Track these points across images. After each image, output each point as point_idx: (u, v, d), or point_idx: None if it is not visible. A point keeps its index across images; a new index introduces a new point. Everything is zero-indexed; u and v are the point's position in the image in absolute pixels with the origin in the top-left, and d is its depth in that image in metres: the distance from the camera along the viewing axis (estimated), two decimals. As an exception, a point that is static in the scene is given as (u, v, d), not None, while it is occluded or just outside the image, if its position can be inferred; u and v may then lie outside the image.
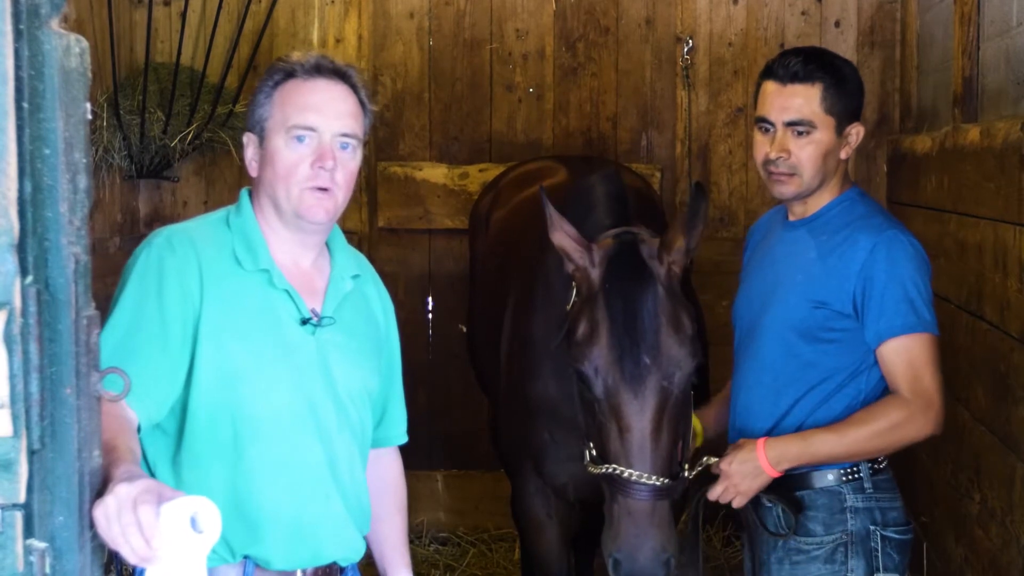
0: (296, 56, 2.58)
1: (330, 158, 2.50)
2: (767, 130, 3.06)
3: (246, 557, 2.47)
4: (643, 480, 2.88)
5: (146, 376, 2.32)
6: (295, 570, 2.51)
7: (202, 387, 2.42)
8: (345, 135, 2.53)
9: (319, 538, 2.53)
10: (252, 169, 2.59)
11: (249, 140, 2.59)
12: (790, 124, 3.01)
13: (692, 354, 2.99)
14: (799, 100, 3.01)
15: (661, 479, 2.89)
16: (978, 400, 3.96)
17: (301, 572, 2.52)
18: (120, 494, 1.79)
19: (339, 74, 2.57)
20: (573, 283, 3.18)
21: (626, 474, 2.89)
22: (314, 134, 2.50)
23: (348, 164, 2.54)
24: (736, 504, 3.02)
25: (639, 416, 2.91)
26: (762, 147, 3.07)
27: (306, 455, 2.50)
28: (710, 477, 3.05)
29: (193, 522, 1.82)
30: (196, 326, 2.42)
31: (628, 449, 2.90)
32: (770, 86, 3.06)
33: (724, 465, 2.99)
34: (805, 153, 3.02)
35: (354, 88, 2.59)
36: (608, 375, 2.95)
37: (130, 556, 1.79)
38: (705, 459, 3.05)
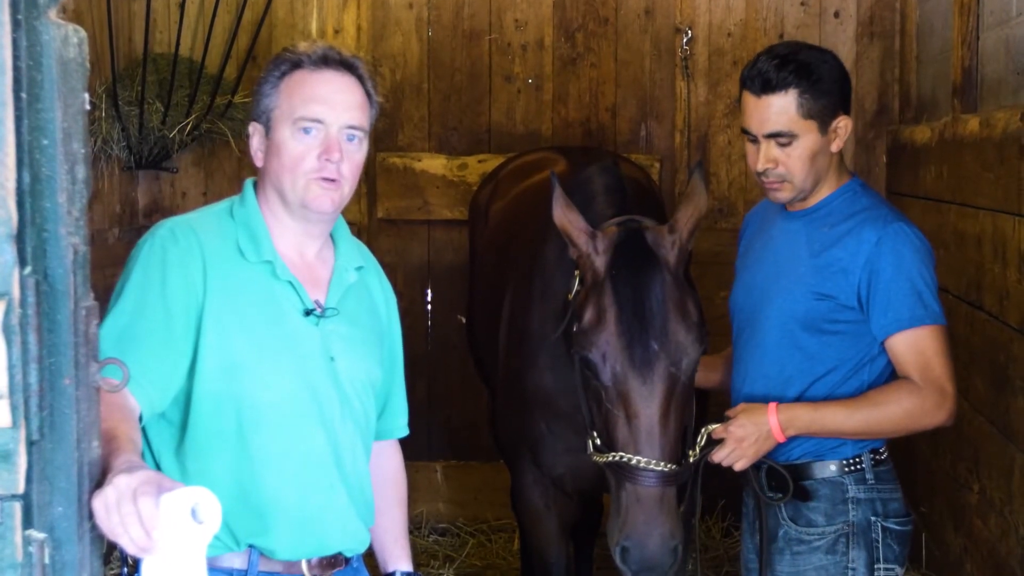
0: (303, 46, 2.56)
1: (336, 151, 2.49)
2: (753, 140, 3.05)
3: (251, 546, 2.47)
4: (651, 466, 2.88)
5: (149, 365, 2.33)
6: (300, 560, 2.50)
7: (205, 377, 2.42)
8: (352, 127, 2.52)
9: (324, 528, 2.52)
10: (257, 159, 2.58)
11: (255, 130, 2.58)
12: (770, 136, 3.01)
13: (699, 340, 3.00)
14: (775, 112, 2.98)
15: (669, 465, 2.89)
16: (977, 391, 3.96)
17: (306, 562, 2.51)
18: (119, 485, 1.78)
19: (346, 65, 2.55)
20: (575, 272, 3.18)
21: (634, 461, 2.89)
22: (321, 126, 2.49)
23: (354, 156, 2.53)
24: (738, 467, 3.00)
25: (647, 402, 2.91)
26: (752, 158, 3.07)
27: (310, 445, 2.50)
28: (710, 446, 3.04)
29: (193, 513, 1.82)
30: (199, 316, 2.42)
31: (636, 436, 2.91)
32: (747, 98, 3.05)
33: (733, 428, 2.98)
34: (792, 161, 3.00)
35: (361, 79, 2.57)
36: (616, 362, 2.95)
37: (129, 547, 1.79)
38: (706, 428, 3.04)
